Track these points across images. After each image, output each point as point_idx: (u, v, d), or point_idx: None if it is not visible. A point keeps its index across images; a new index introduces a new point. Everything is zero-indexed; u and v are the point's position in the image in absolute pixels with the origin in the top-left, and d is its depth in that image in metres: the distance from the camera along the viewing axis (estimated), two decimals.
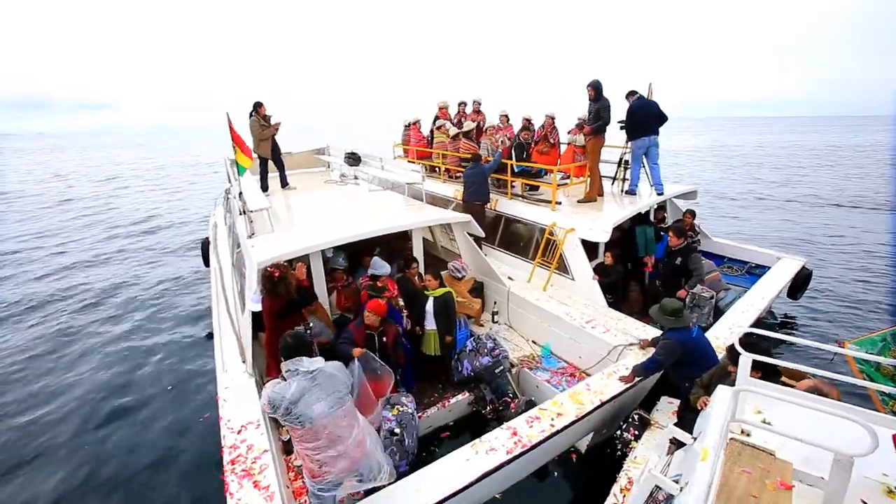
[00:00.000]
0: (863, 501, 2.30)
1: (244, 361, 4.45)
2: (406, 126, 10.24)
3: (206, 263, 9.26)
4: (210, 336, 7.40)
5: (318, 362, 2.86)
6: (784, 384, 3.23)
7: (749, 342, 3.12)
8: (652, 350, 4.47)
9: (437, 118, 9.38)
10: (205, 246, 9.53)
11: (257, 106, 7.19)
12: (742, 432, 2.61)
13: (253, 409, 3.81)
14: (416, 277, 5.38)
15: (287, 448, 4.07)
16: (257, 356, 4.60)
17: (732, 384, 3.06)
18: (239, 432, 3.60)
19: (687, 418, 3.55)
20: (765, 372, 3.07)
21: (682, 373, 4.04)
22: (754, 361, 2.87)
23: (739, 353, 2.93)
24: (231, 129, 5.51)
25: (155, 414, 5.68)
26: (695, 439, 2.90)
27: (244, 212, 5.34)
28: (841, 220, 14.95)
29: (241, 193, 5.41)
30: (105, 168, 38.90)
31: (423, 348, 5.15)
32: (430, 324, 5.09)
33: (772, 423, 2.54)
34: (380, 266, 4.99)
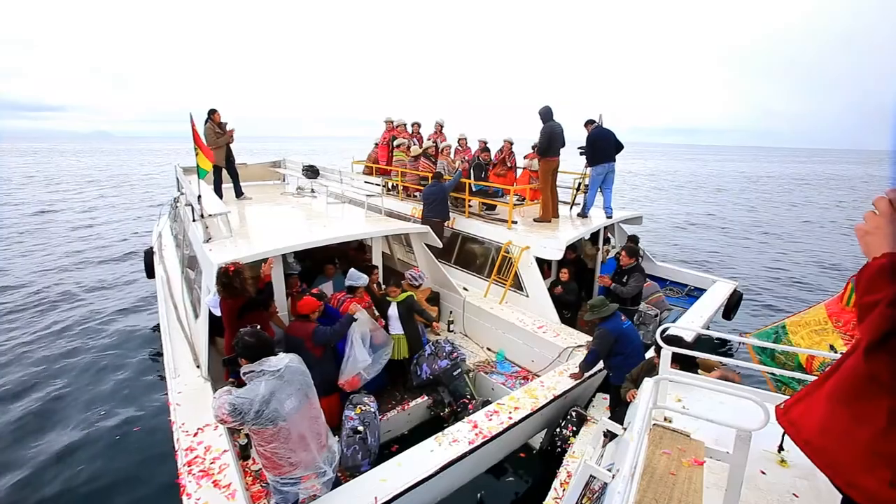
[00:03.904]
0: (762, 472, 2.83)
1: (198, 366, 4.55)
2: (376, 144, 10.64)
3: (150, 275, 9.10)
4: (157, 347, 7.34)
5: (283, 359, 2.95)
6: (700, 375, 3.78)
7: (670, 338, 3.65)
8: None
9: (394, 137, 9.84)
10: (148, 257, 9.35)
11: (212, 112, 7.32)
12: (665, 419, 3.10)
13: (211, 413, 3.94)
14: (376, 285, 5.70)
15: (242, 454, 4.20)
16: (212, 362, 4.70)
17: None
18: (196, 434, 3.73)
19: (619, 411, 4.04)
20: (684, 364, 3.61)
21: (616, 363, 4.57)
22: (674, 354, 3.34)
23: (661, 347, 3.42)
24: (193, 130, 5.65)
25: (92, 429, 5.59)
26: (625, 429, 3.36)
27: (202, 216, 5.44)
28: (761, 244, 16.99)
29: (199, 197, 5.50)
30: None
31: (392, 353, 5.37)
32: (396, 328, 5.40)
33: (689, 408, 3.05)
34: (357, 277, 5.22)
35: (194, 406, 4.05)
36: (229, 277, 4.08)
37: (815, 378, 1.41)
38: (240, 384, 2.95)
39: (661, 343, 3.35)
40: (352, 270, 5.27)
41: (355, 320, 4.70)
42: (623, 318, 4.66)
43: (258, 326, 3.19)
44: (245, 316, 4.23)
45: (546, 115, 7.46)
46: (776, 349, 4.27)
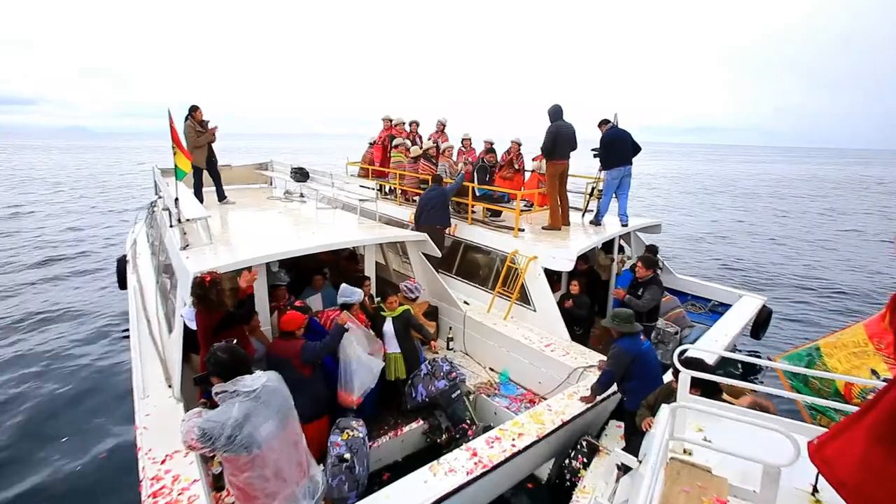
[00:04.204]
0: None
1: (170, 386, 4.46)
2: (371, 144, 10.63)
3: (122, 286, 9.06)
4: (126, 364, 7.22)
5: (260, 378, 2.85)
6: (726, 402, 3.64)
7: (690, 361, 3.52)
8: None
9: (392, 136, 9.81)
10: (121, 265, 9.32)
11: (193, 110, 7.29)
12: (685, 451, 2.97)
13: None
14: (367, 298, 5.60)
15: (216, 485, 4.08)
16: (186, 381, 4.59)
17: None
18: (163, 462, 3.62)
19: (634, 441, 3.90)
20: (706, 389, 3.47)
21: (630, 387, 4.42)
22: (694, 379, 3.23)
23: (680, 371, 3.29)
24: (172, 128, 5.59)
25: (51, 458, 5.48)
26: (640, 462, 3.23)
27: (179, 220, 5.39)
28: (794, 255, 16.76)
29: (176, 200, 5.45)
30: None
31: (385, 374, 5.24)
32: (392, 346, 5.28)
33: (712, 439, 2.91)
34: (350, 293, 5.01)
35: (163, 430, 3.94)
36: (205, 288, 3.99)
37: (856, 409, 1.29)
38: (212, 405, 2.85)
39: (679, 367, 3.22)
40: (344, 286, 5.11)
41: (346, 330, 4.59)
42: (643, 338, 4.54)
43: (234, 341, 3.10)
44: (223, 331, 4.14)
45: (554, 114, 7.40)
46: (809, 375, 4.12)
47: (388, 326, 5.33)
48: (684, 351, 3.44)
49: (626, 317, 4.44)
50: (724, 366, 6.93)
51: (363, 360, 4.71)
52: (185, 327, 4.35)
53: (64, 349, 8.13)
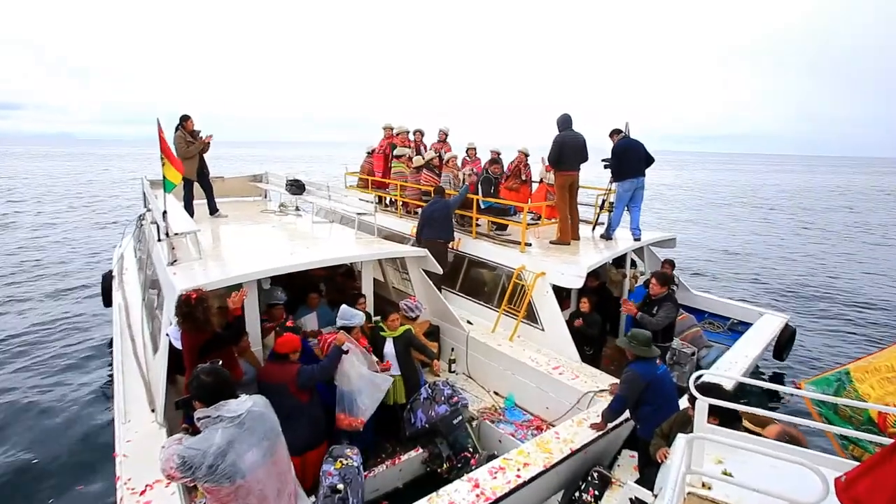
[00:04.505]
0: None
1: (153, 410, 4.44)
2: (369, 153, 10.69)
3: (107, 303, 9.08)
4: (109, 384, 7.22)
5: (245, 402, 2.82)
6: (749, 431, 3.57)
7: (707, 387, 3.45)
8: None
9: (394, 146, 9.88)
10: (106, 281, 9.36)
11: (184, 119, 7.40)
12: (703, 485, 2.92)
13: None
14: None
15: None
16: (171, 404, 4.56)
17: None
18: (143, 493, 3.60)
19: (648, 472, 3.85)
20: (725, 417, 3.42)
21: (644, 413, 4.37)
22: (712, 407, 3.17)
23: (696, 398, 3.23)
24: (161, 138, 5.65)
25: (29, 490, 5.45)
26: (655, 496, 3.17)
27: (167, 234, 5.42)
28: (818, 269, 16.64)
29: (165, 213, 5.48)
30: None
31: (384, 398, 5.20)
32: (392, 369, 5.26)
33: (733, 473, 2.86)
34: (350, 315, 5.00)
35: (145, 457, 3.92)
36: (191, 306, 3.97)
37: (891, 440, 1.26)
38: (195, 431, 2.83)
39: (695, 393, 3.18)
40: (344, 308, 5.09)
41: (345, 352, 4.59)
42: (658, 361, 4.51)
43: (220, 362, 3.08)
44: (210, 352, 4.08)
45: (562, 124, 7.45)
46: (839, 402, 4.04)
47: (389, 347, 5.32)
48: (700, 376, 3.40)
49: (644, 339, 4.40)
50: (745, 390, 6.85)
51: (366, 376, 4.69)
52: (171, 347, 4.34)
53: (44, 370, 8.13)
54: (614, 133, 7.63)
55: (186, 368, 4.23)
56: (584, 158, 7.56)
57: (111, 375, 5.81)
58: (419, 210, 8.69)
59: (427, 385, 5.33)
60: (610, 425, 4.59)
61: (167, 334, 4.36)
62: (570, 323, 6.46)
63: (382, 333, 5.35)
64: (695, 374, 3.37)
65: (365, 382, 4.68)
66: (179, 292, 4.29)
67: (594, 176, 9.06)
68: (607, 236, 7.96)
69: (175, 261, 5.22)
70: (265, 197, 10.41)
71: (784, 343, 7.80)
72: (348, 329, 4.92)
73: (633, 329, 4.57)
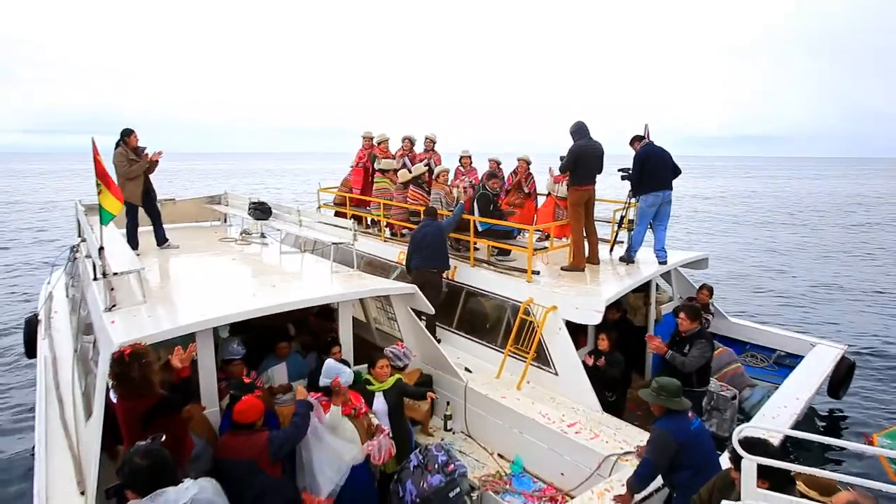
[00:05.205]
0: None
1: (83, 493, 4.27)
2: (353, 166, 10.66)
3: (31, 354, 8.89)
4: (28, 457, 7.02)
5: (188, 490, 2.81)
6: (806, 497, 3.45)
7: (753, 443, 3.35)
8: None
9: (374, 157, 9.86)
10: (30, 327, 9.15)
11: (126, 134, 7.35)
12: None
13: None
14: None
15: None
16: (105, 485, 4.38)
17: (739, 498, 3.26)
18: None
19: None
20: (775, 479, 3.29)
21: (680, 479, 4.23)
22: (761, 467, 3.08)
23: (741, 457, 3.14)
24: (96, 160, 5.54)
25: None
26: None
27: (104, 274, 5.29)
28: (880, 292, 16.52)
29: (101, 249, 5.37)
30: None
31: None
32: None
33: None
34: (336, 372, 4.84)
35: None
36: (124, 365, 3.82)
37: None
38: None
39: (740, 451, 3.11)
40: (329, 363, 4.96)
41: (312, 408, 4.52)
42: (691, 415, 4.38)
43: (163, 437, 3.04)
44: (156, 421, 3.96)
45: (577, 131, 7.42)
46: None
47: (380, 404, 5.23)
48: (743, 430, 3.34)
49: (673, 389, 4.29)
50: (797, 445, 6.70)
51: (329, 443, 4.57)
52: (110, 409, 4.18)
53: None
54: (636, 140, 7.62)
55: (125, 441, 4.06)
56: (601, 170, 7.57)
57: (33, 448, 5.58)
58: (406, 232, 8.61)
59: (418, 450, 5.19)
60: (638, 497, 4.44)
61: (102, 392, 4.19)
62: (587, 364, 6.38)
63: (370, 387, 5.23)
64: (738, 430, 3.30)
65: (327, 450, 4.56)
66: (117, 346, 4.15)
67: (608, 186, 9.02)
68: (628, 259, 7.89)
69: (114, 305, 5.10)
70: (224, 222, 10.35)
71: (841, 379, 7.70)
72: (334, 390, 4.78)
73: (659, 378, 4.45)
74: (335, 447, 4.61)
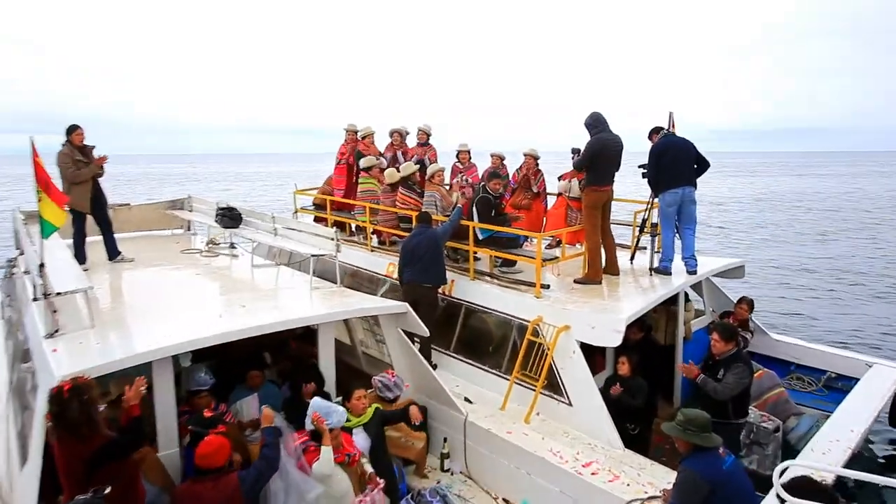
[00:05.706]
0: None
1: None
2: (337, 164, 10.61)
3: None
4: None
5: None
6: None
7: (800, 483, 3.31)
8: None
9: (359, 153, 9.76)
10: None
11: (71, 131, 7.34)
12: None
13: None
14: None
15: None
16: None
17: None
18: None
19: None
20: None
21: None
22: None
23: (785, 501, 3.12)
24: (36, 163, 5.54)
25: None
26: None
27: (46, 294, 5.25)
28: None
29: (42, 266, 5.35)
30: None
31: None
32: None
33: None
34: (325, 412, 4.80)
35: None
36: (62, 403, 3.77)
37: None
38: None
39: (783, 494, 3.11)
40: (316, 401, 4.92)
41: (281, 435, 4.52)
42: (723, 451, 4.28)
43: (107, 489, 3.08)
44: (102, 467, 3.91)
45: (594, 124, 7.34)
46: None
47: (362, 440, 5.20)
48: (785, 469, 3.45)
49: (702, 423, 4.21)
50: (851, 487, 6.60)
51: (293, 481, 4.49)
52: (49, 454, 4.12)
53: None
54: (654, 133, 7.58)
55: (65, 491, 4.02)
56: (618, 168, 7.54)
57: None
58: (397, 238, 8.53)
59: (410, 495, 5.23)
60: None
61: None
62: (604, 391, 6.32)
63: (346, 423, 5.14)
64: (779, 468, 3.35)
65: (289, 486, 4.48)
66: (58, 380, 4.08)
67: (629, 183, 8.92)
68: (664, 270, 7.67)
69: (56, 331, 5.06)
70: (188, 230, 10.37)
71: None
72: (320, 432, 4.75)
73: (685, 409, 4.37)
74: (299, 485, 4.50)
